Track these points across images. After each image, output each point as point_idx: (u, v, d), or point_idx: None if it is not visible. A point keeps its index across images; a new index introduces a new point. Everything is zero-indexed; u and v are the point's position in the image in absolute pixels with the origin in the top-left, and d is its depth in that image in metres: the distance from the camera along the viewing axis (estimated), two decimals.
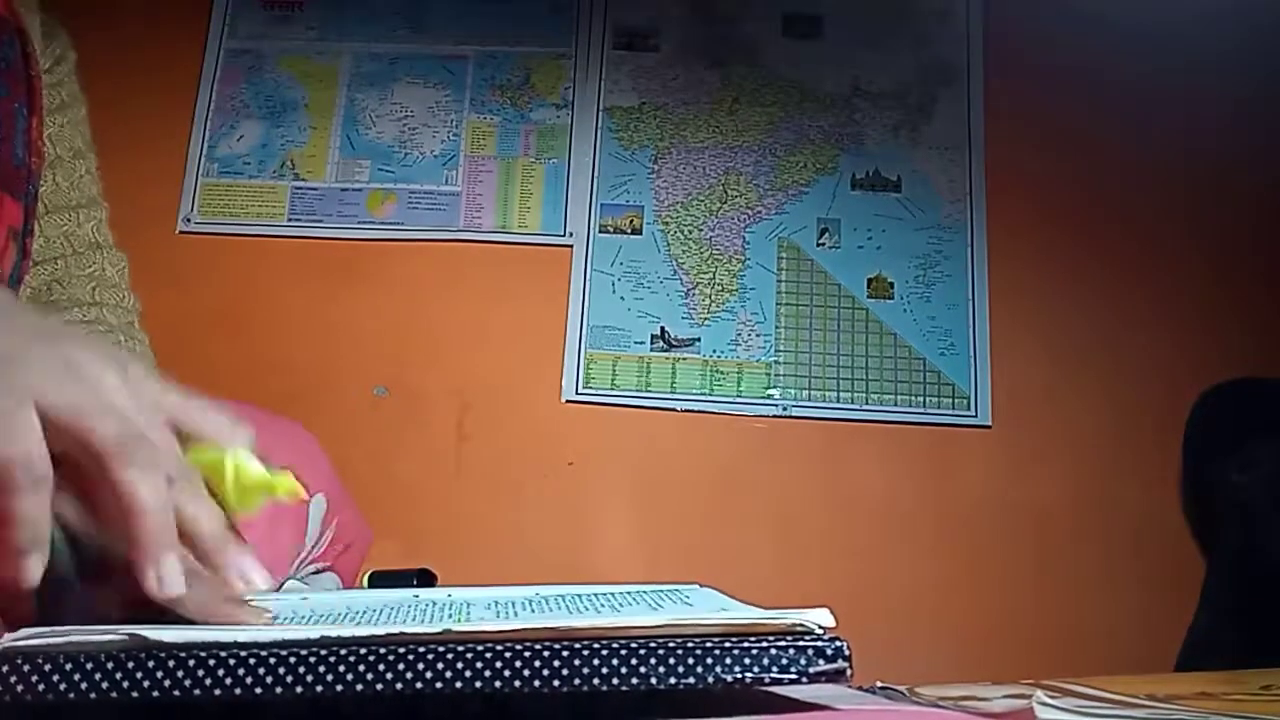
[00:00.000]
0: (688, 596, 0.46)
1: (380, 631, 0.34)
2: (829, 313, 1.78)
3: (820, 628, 0.36)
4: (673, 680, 0.34)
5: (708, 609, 0.41)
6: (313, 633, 0.34)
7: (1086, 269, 1.80)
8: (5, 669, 0.32)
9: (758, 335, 1.77)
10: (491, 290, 1.81)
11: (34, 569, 0.37)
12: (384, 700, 0.33)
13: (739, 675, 0.34)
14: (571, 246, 1.81)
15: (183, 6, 1.94)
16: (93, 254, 0.79)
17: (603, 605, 0.44)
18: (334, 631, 0.34)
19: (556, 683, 0.33)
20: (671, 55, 1.90)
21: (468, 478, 1.73)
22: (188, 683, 0.32)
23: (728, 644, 0.34)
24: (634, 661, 0.34)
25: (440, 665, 0.33)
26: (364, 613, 0.41)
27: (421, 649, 0.33)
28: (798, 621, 0.35)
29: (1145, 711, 0.40)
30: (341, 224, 1.83)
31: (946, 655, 1.61)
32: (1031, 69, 1.87)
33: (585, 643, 0.34)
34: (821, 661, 0.35)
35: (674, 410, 1.75)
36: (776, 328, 1.77)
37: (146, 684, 0.32)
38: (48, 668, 0.32)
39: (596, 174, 1.85)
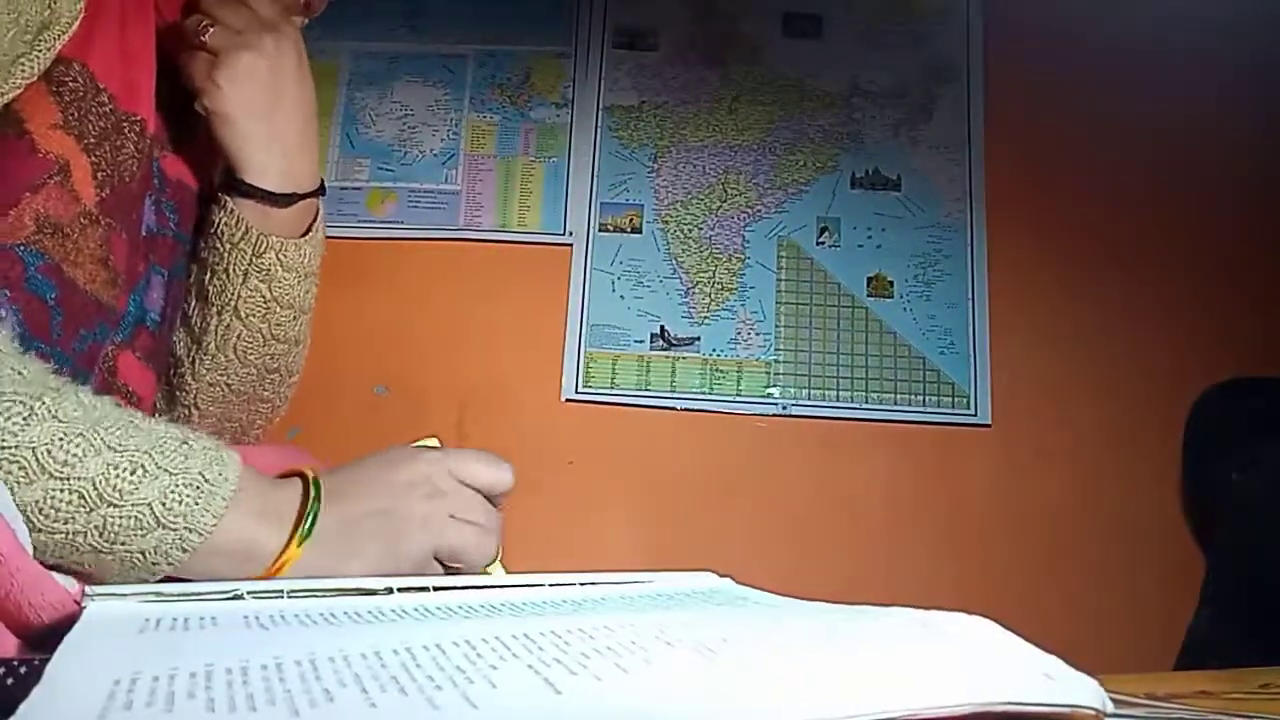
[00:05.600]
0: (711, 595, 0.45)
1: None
2: (829, 312, 1.78)
3: None
4: None
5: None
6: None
7: (1086, 268, 1.80)
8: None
9: (757, 334, 1.77)
10: (491, 289, 1.81)
11: None
12: None
13: None
14: (571, 245, 1.81)
15: None
16: None
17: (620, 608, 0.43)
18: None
19: None
20: (671, 55, 1.90)
21: None
22: None
23: None
24: None
25: None
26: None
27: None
28: None
29: (1145, 711, 0.40)
30: (341, 223, 1.83)
31: None
32: (1031, 69, 1.87)
33: None
34: None
35: (674, 409, 1.75)
36: (776, 326, 1.77)
37: None
38: None
39: (596, 173, 1.84)
